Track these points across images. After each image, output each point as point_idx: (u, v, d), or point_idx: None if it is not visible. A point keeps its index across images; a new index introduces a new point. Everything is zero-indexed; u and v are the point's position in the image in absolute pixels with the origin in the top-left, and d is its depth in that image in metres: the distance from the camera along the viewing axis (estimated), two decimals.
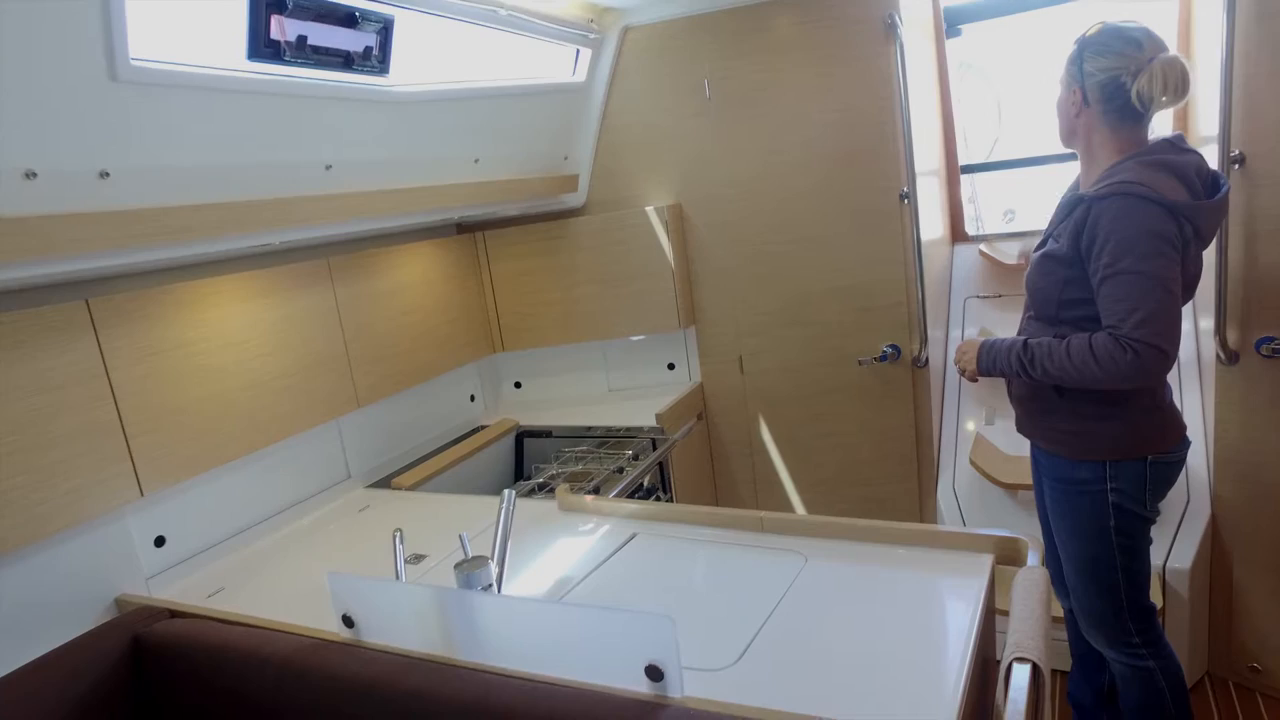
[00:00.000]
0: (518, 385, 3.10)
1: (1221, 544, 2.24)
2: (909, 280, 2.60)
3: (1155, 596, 1.92)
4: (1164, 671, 1.73)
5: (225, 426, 1.89)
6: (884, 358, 2.67)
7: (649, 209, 2.70)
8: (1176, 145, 1.59)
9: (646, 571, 1.60)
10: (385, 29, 1.69)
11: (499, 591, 1.47)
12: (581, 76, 2.60)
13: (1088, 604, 1.75)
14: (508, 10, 2.00)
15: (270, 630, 1.48)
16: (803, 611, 1.37)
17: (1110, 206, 1.51)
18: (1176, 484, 1.71)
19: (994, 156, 3.65)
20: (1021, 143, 3.33)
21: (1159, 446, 1.63)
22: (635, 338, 2.93)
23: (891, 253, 2.60)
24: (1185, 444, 1.68)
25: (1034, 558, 1.40)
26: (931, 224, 2.72)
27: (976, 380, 1.82)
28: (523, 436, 2.83)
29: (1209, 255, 1.91)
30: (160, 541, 1.82)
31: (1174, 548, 2.23)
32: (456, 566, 1.45)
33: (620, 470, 2.39)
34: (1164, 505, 1.71)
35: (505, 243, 2.85)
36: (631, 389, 3.01)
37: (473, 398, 2.91)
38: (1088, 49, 1.59)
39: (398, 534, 1.55)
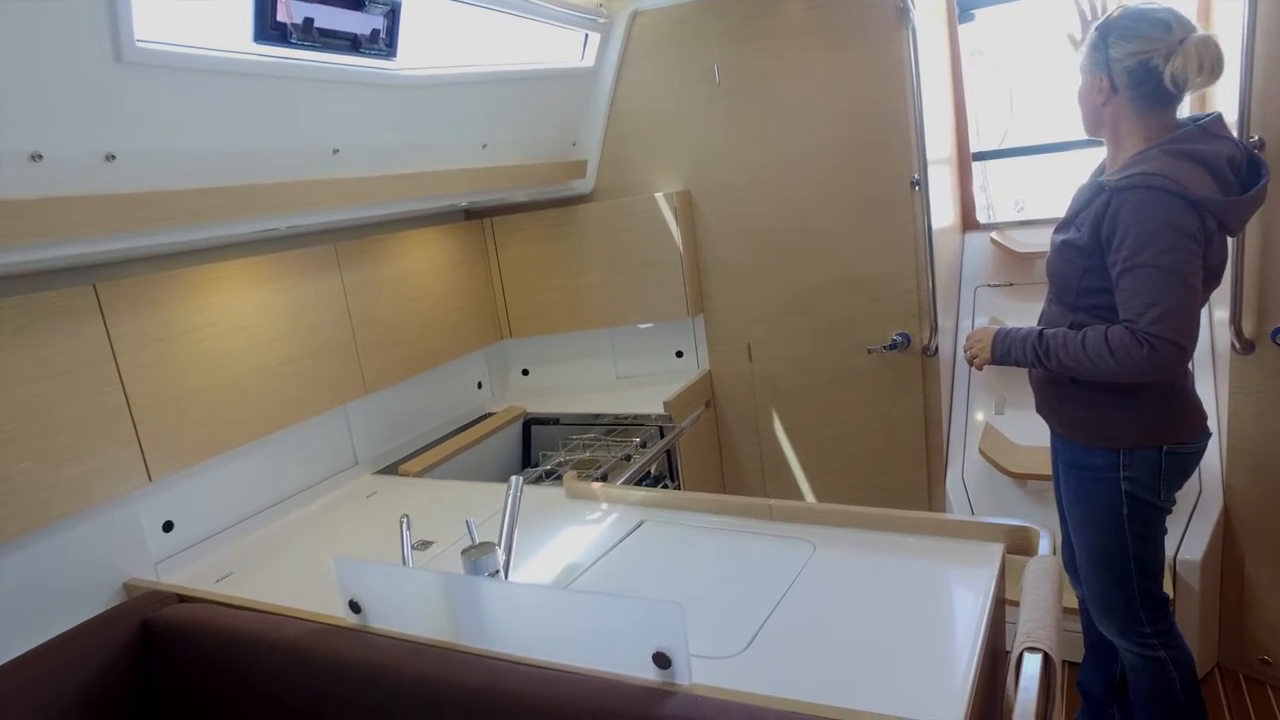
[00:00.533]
0: (525, 372, 3.09)
1: (1233, 535, 2.22)
2: (919, 268, 2.57)
3: (1165, 587, 1.90)
4: (1175, 662, 1.72)
5: (233, 412, 1.89)
6: (893, 346, 2.65)
7: (658, 195, 2.68)
8: (1208, 131, 1.53)
9: (654, 559, 1.59)
10: (393, 12, 1.67)
11: (506, 578, 1.47)
12: (590, 61, 2.58)
13: (1099, 592, 1.74)
14: None
15: (278, 615, 1.48)
16: (811, 600, 1.36)
17: (1131, 198, 1.48)
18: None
19: (1005, 144, 3.61)
20: (1032, 131, 3.29)
21: (1175, 436, 1.61)
22: (643, 325, 2.92)
23: (902, 240, 2.58)
24: (1205, 435, 1.65)
25: (1045, 547, 1.39)
26: (942, 212, 2.69)
27: (982, 369, 1.80)
28: (530, 424, 2.82)
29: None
30: (169, 526, 1.82)
31: (1185, 539, 2.21)
32: (464, 553, 1.45)
33: (628, 458, 2.38)
34: (1177, 495, 1.69)
35: (513, 229, 2.84)
36: (639, 376, 3.00)
37: (480, 384, 2.91)
38: (1112, 34, 1.55)
39: (405, 520, 1.55)
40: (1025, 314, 2.82)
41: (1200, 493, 2.26)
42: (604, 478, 2.21)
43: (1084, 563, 1.75)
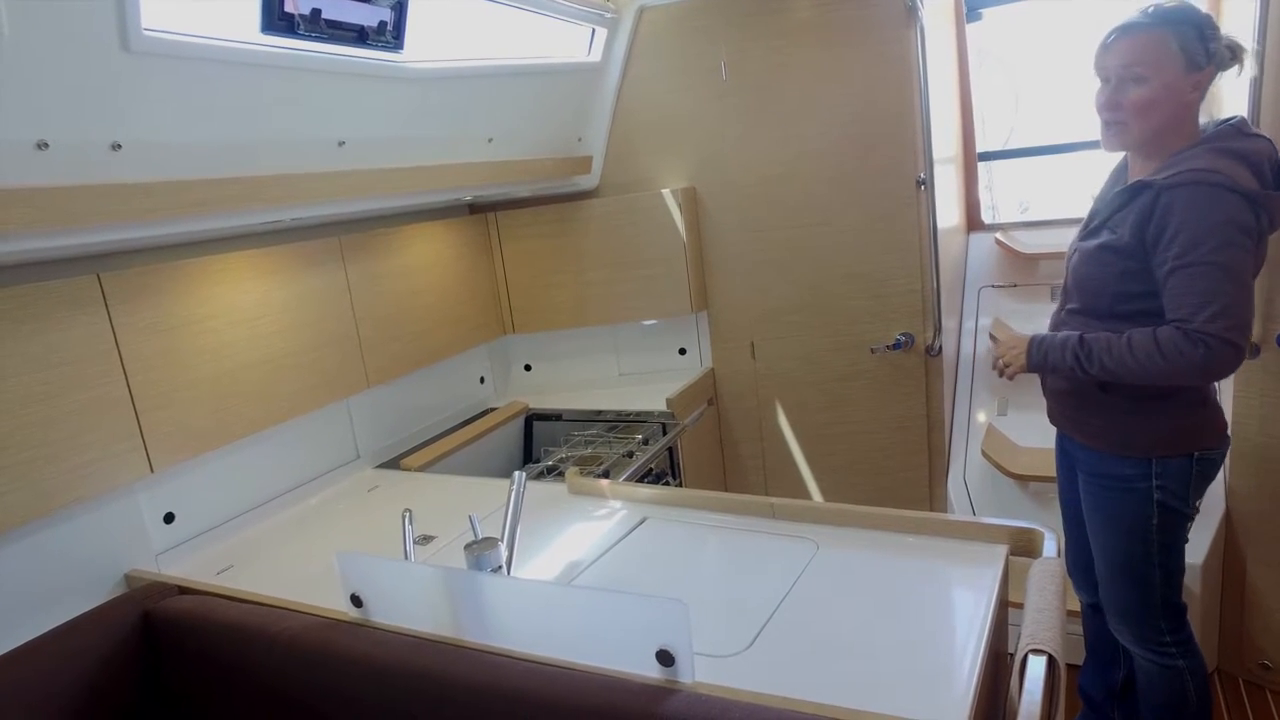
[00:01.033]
0: (528, 368, 3.09)
1: (1235, 539, 2.22)
2: (924, 268, 2.57)
3: None
4: (1191, 672, 1.70)
5: (235, 404, 1.89)
6: (897, 346, 2.65)
7: (665, 192, 2.67)
8: (1242, 130, 1.50)
9: (657, 556, 1.59)
10: (400, 4, 1.67)
11: (509, 573, 1.47)
12: (597, 57, 2.57)
13: (1120, 599, 1.71)
14: None
15: (279, 608, 1.48)
16: (815, 599, 1.36)
17: (1182, 195, 1.43)
18: None
19: (1010, 145, 3.60)
20: (1037, 131, 3.28)
21: (1206, 443, 1.59)
22: (647, 322, 2.91)
23: (906, 240, 2.57)
24: (1228, 440, 1.64)
25: (1050, 549, 1.38)
26: (948, 211, 2.68)
27: (1014, 378, 1.71)
28: (532, 419, 2.82)
29: None
30: (170, 518, 1.82)
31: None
32: (466, 548, 1.44)
33: (630, 455, 2.38)
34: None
35: (517, 224, 2.83)
36: (642, 373, 2.99)
37: (483, 379, 2.91)
38: (1206, 25, 1.47)
39: (407, 514, 1.55)
40: (1029, 315, 2.82)
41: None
42: (606, 474, 2.21)
43: (1105, 570, 1.71)
